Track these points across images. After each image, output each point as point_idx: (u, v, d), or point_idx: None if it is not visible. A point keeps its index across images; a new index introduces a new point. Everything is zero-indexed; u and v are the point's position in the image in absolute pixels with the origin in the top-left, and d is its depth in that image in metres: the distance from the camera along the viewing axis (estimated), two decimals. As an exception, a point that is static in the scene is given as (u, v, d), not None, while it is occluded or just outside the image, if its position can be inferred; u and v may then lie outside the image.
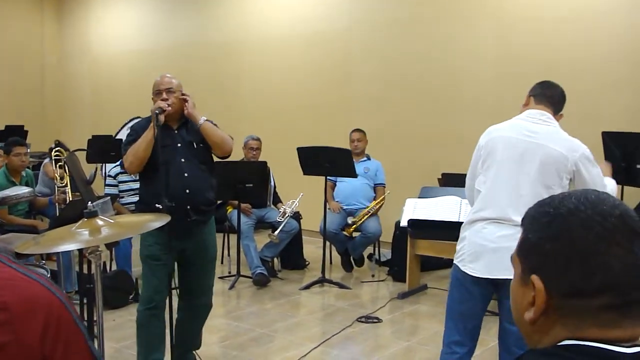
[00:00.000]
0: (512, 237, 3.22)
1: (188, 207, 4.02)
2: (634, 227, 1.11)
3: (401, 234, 6.88)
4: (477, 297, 3.39)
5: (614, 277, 1.08)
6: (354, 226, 7.20)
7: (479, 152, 3.48)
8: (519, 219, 3.28)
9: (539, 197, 3.30)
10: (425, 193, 6.92)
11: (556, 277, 1.11)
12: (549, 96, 3.45)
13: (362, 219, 7.22)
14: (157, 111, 3.95)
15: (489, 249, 3.27)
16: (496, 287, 3.36)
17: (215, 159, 4.43)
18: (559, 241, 1.12)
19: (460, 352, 3.43)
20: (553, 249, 1.12)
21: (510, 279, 3.25)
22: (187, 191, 4.08)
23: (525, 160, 3.28)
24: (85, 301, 4.43)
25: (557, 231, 1.13)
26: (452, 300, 3.50)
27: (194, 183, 4.12)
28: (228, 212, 7.58)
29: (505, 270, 3.20)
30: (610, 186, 3.47)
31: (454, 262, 3.46)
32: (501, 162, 3.34)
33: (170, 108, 4.05)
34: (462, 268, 3.38)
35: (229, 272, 7.27)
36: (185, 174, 4.10)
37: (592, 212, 1.11)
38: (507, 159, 3.32)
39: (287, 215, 7.26)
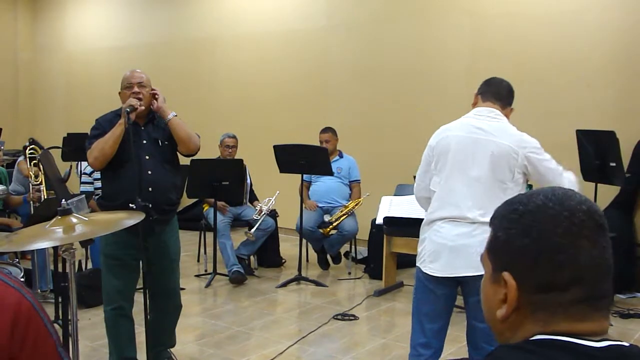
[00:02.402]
0: (469, 234, 3.25)
1: (150, 205, 3.91)
2: (600, 222, 1.15)
3: (377, 232, 6.90)
4: (440, 297, 3.40)
5: (582, 270, 1.11)
6: (332, 226, 7.21)
7: (431, 152, 3.48)
8: (474, 216, 3.33)
9: (493, 193, 3.35)
10: (400, 191, 6.94)
11: (527, 273, 1.14)
12: (495, 92, 3.47)
13: (340, 219, 7.22)
14: (128, 109, 3.92)
15: (447, 247, 3.29)
16: (460, 286, 3.39)
17: (184, 158, 4.41)
18: (528, 237, 1.14)
19: (426, 354, 3.43)
20: (523, 245, 1.14)
21: (472, 276, 3.29)
22: (150, 189, 4.03)
23: (477, 158, 3.30)
24: (60, 300, 4.39)
25: (526, 227, 1.15)
26: (417, 301, 3.51)
27: (156, 181, 4.09)
28: (204, 210, 7.57)
29: (465, 268, 3.23)
30: (568, 177, 3.42)
31: (417, 264, 3.48)
32: (453, 161, 3.35)
33: (142, 107, 4.03)
34: (423, 269, 3.40)
35: (206, 270, 7.26)
36: (149, 172, 4.07)
37: (559, 207, 1.14)
38: (458, 158, 3.34)
39: (263, 213, 7.26)
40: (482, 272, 1.26)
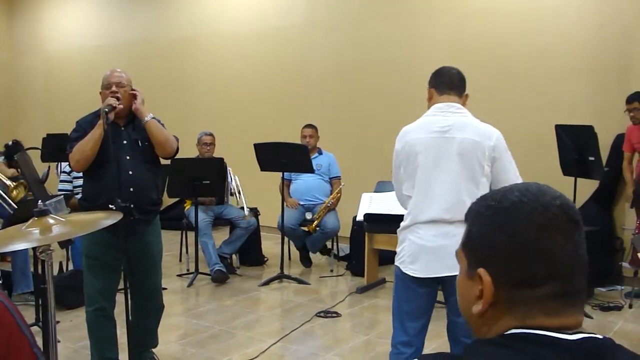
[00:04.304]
0: (447, 234, 3.23)
1: (131, 205, 3.86)
2: (574, 217, 1.15)
3: (359, 229, 6.92)
4: (422, 296, 3.39)
5: (557, 265, 1.12)
6: (315, 222, 7.21)
7: (398, 157, 3.45)
8: (451, 216, 3.31)
9: (467, 190, 3.34)
10: (381, 187, 6.96)
11: (502, 269, 1.14)
12: (448, 82, 3.39)
13: (322, 215, 7.22)
14: (106, 109, 3.87)
15: (427, 248, 3.28)
16: (441, 284, 3.38)
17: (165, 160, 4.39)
18: (503, 233, 1.14)
19: (407, 353, 3.42)
20: (498, 241, 1.15)
21: (452, 276, 3.29)
22: (131, 189, 4.02)
23: (444, 157, 3.26)
24: (40, 302, 4.36)
25: (501, 223, 1.15)
26: (398, 300, 3.50)
27: (138, 181, 4.07)
28: (186, 209, 7.55)
29: (445, 268, 3.22)
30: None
31: (395, 263, 3.46)
32: (422, 164, 3.31)
33: (121, 106, 4.00)
34: (404, 270, 3.38)
35: (188, 270, 7.25)
36: (130, 172, 4.05)
37: (534, 204, 1.14)
38: (426, 161, 3.30)
39: (237, 191, 7.33)
40: None
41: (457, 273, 3.27)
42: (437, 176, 3.28)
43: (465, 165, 3.24)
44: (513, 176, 3.26)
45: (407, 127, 3.46)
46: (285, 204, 7.19)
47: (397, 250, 3.46)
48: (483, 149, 3.23)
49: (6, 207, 5.17)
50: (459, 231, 3.19)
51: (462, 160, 3.24)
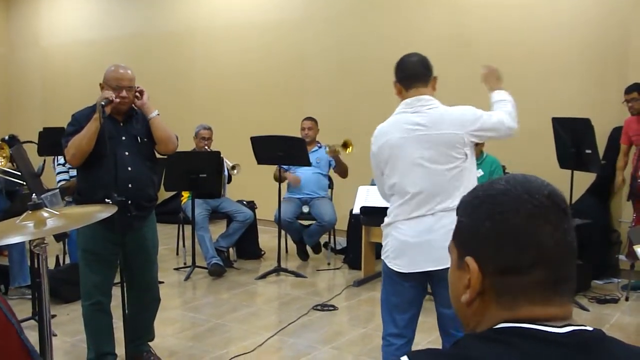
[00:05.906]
0: (430, 229, 3.23)
1: (129, 201, 3.87)
2: (562, 205, 1.15)
3: (356, 222, 6.92)
4: (408, 289, 3.39)
5: (544, 253, 1.12)
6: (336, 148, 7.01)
7: (375, 159, 3.44)
8: (431, 207, 3.29)
9: (448, 181, 3.38)
10: (378, 181, 6.92)
11: (489, 257, 1.14)
12: (412, 75, 3.34)
13: (336, 149, 7.05)
14: (103, 102, 3.86)
15: (409, 244, 3.28)
16: (428, 277, 3.38)
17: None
18: (490, 220, 1.14)
19: (398, 344, 3.43)
20: (485, 229, 1.15)
21: (437, 270, 3.30)
22: (130, 185, 4.01)
23: (421, 155, 3.24)
24: (37, 295, 4.36)
25: (487, 211, 1.15)
26: (386, 293, 3.50)
27: (137, 178, 4.07)
28: (182, 202, 7.54)
29: (429, 263, 3.22)
30: (505, 111, 3.43)
31: (382, 257, 3.47)
32: (401, 164, 3.29)
33: (118, 100, 3.98)
34: (389, 265, 3.39)
35: (185, 264, 7.24)
36: (129, 168, 4.04)
37: (521, 191, 1.14)
38: (404, 161, 3.27)
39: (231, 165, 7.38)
40: (446, 266, 1.26)
41: (442, 267, 3.27)
42: (416, 174, 3.26)
43: (442, 160, 3.23)
44: (499, 130, 3.34)
45: (380, 127, 3.44)
46: (288, 183, 7.26)
47: (383, 244, 3.47)
48: (462, 139, 3.22)
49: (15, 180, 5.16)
50: (442, 224, 3.21)
51: (439, 156, 3.23)
